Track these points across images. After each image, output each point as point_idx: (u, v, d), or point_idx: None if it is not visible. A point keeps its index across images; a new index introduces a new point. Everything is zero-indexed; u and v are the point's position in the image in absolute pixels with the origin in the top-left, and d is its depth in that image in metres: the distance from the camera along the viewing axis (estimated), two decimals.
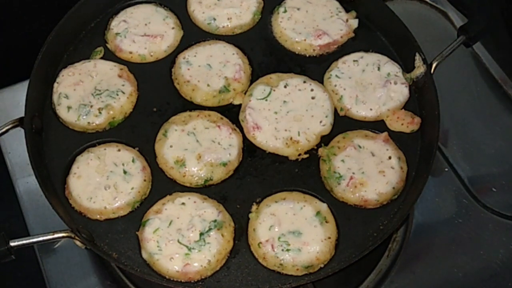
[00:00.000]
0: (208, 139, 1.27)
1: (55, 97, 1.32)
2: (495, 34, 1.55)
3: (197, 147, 1.26)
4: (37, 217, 1.43)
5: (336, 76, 1.35)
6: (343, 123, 1.32)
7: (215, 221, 1.19)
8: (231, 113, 1.33)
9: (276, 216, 1.20)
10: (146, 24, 1.41)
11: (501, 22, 1.53)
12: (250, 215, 1.22)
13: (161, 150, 1.27)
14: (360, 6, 1.44)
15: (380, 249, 1.40)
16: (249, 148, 1.30)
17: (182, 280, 1.16)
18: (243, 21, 1.43)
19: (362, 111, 1.32)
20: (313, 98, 1.33)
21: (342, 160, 1.25)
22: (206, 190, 1.25)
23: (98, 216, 1.22)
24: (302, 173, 1.27)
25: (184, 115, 1.31)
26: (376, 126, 1.31)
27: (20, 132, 1.25)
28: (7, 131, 1.26)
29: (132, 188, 1.22)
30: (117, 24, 1.41)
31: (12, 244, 1.13)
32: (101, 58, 1.39)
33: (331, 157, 1.26)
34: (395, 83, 1.34)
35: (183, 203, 1.21)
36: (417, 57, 1.33)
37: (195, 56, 1.37)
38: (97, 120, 1.30)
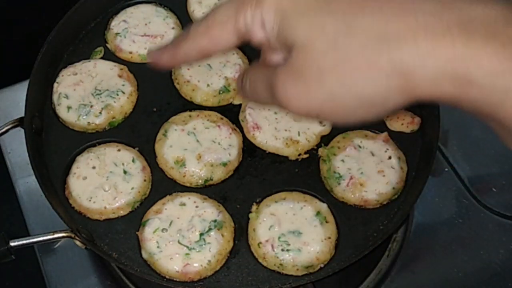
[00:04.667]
0: (208, 139, 1.27)
1: (55, 97, 1.32)
2: None
3: (197, 147, 1.26)
4: (37, 217, 1.43)
5: None
6: None
7: (215, 221, 1.19)
8: (231, 113, 1.33)
9: (276, 216, 1.20)
10: (146, 24, 1.41)
11: None
12: (250, 215, 1.22)
13: (161, 150, 1.27)
14: None
15: (380, 249, 1.40)
16: (249, 148, 1.30)
17: (182, 280, 1.16)
18: None
19: None
20: None
21: (342, 160, 1.25)
22: (206, 190, 1.25)
23: (98, 216, 1.22)
24: (302, 173, 1.27)
25: (184, 115, 1.31)
26: (376, 126, 1.31)
27: (20, 132, 1.25)
28: (7, 131, 1.25)
29: (132, 188, 1.22)
30: (117, 24, 1.41)
31: (12, 244, 1.13)
32: (101, 58, 1.39)
33: (331, 157, 1.26)
34: None
35: (183, 203, 1.21)
36: None
37: None
38: (97, 120, 1.30)
